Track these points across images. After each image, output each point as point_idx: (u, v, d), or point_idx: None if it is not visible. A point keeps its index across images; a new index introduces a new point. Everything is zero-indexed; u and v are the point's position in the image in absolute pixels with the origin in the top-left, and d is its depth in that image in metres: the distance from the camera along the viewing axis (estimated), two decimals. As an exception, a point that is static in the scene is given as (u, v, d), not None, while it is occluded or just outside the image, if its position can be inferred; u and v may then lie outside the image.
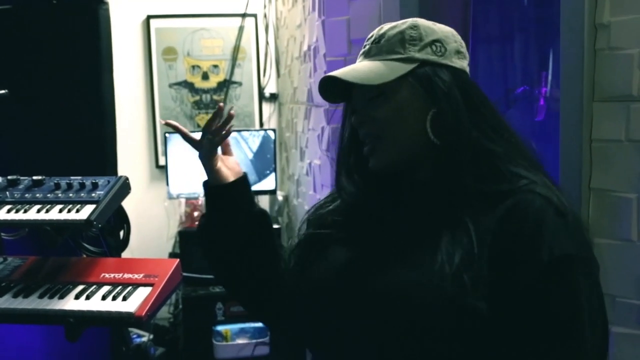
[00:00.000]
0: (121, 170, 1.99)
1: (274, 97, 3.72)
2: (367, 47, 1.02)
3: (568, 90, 1.42)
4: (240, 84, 3.64)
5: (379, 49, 0.99)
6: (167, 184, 3.23)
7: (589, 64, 1.38)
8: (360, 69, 0.98)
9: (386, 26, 1.02)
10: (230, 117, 1.15)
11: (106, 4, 2.14)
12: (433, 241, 0.92)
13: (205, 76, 3.61)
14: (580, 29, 1.37)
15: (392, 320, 0.92)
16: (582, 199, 1.40)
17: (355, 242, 1.03)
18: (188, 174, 3.23)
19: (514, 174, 0.93)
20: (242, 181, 1.19)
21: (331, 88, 1.02)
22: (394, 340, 0.92)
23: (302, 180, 3.03)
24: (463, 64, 1.00)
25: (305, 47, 2.74)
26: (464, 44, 1.03)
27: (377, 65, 0.97)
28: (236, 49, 3.60)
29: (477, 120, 0.95)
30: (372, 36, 1.03)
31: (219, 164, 1.18)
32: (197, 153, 1.19)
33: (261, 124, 3.67)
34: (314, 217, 1.13)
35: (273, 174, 3.28)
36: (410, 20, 1.00)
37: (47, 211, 1.65)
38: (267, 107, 3.72)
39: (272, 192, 3.35)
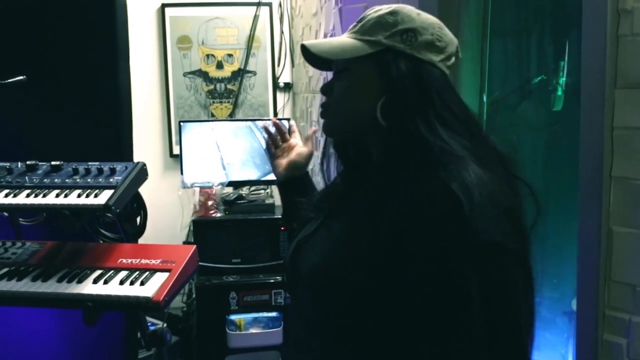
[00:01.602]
0: (136, 159, 1.99)
1: (288, 87, 3.71)
2: (354, 24, 1.07)
3: (589, 78, 1.40)
4: (254, 73, 3.64)
5: (358, 28, 1.04)
6: (182, 173, 3.23)
7: (611, 51, 1.36)
8: (333, 42, 1.05)
9: (376, 7, 1.06)
10: (290, 130, 1.26)
11: (123, -9, 2.14)
12: (353, 223, 0.98)
13: (219, 65, 3.61)
14: (602, 15, 1.35)
15: (306, 298, 1.03)
16: (603, 187, 1.38)
17: (312, 221, 1.13)
18: (202, 163, 3.23)
19: (439, 164, 0.91)
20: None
21: (314, 56, 1.07)
22: (311, 317, 1.03)
23: (316, 170, 3.03)
24: (433, 57, 1.01)
25: (321, 35, 2.73)
26: (446, 39, 1.03)
27: (348, 42, 1.03)
28: (251, 38, 3.59)
29: (425, 114, 0.96)
30: (362, 15, 1.08)
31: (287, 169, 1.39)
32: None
33: (275, 114, 3.66)
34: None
35: (287, 164, 3.28)
36: (394, 6, 1.04)
37: (65, 196, 1.66)
38: (281, 97, 3.72)
39: (286, 182, 3.35)
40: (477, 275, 0.84)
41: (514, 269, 0.88)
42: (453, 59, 1.04)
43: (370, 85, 1.01)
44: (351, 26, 1.08)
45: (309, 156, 1.43)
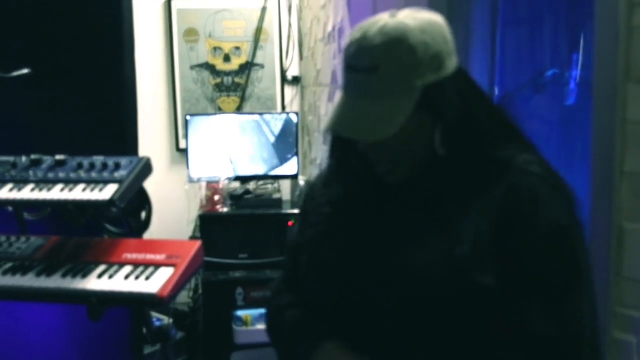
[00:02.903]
0: (142, 153, 1.99)
1: (296, 80, 3.69)
2: (361, 78, 0.95)
3: (602, 71, 1.38)
4: (262, 66, 3.62)
5: (381, 86, 0.93)
6: (188, 168, 3.23)
7: (624, 43, 1.34)
8: (369, 117, 0.94)
9: (376, 48, 0.93)
10: None
11: (128, -16, 2.13)
12: (443, 223, 0.97)
13: (227, 58, 3.59)
14: (615, 6, 1.33)
15: (406, 298, 0.96)
16: (615, 182, 1.36)
17: (361, 226, 1.05)
18: (209, 158, 3.23)
19: (508, 155, 1.00)
20: None
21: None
22: (408, 317, 0.97)
23: (325, 165, 3.02)
24: (455, 60, 0.99)
25: (329, 28, 2.72)
26: (450, 37, 0.99)
27: (383, 111, 0.93)
28: (258, 31, 3.57)
29: (479, 118, 0.99)
30: (358, 54, 0.95)
31: None
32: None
33: (283, 108, 3.64)
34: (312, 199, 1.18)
35: (295, 158, 3.27)
36: (397, 36, 0.92)
37: (70, 190, 1.66)
38: (289, 91, 3.70)
39: (294, 177, 3.34)
40: (582, 251, 0.97)
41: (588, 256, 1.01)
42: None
43: (424, 127, 0.97)
44: (364, 81, 0.95)
45: None
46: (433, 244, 0.97)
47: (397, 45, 0.93)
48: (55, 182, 1.70)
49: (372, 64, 0.93)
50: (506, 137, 1.02)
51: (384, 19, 0.96)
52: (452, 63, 0.97)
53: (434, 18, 0.98)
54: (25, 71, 1.81)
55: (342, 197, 1.09)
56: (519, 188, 0.96)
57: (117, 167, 1.72)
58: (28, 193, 1.67)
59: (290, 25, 3.62)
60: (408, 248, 0.99)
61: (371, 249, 1.02)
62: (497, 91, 1.95)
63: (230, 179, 3.24)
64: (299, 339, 1.08)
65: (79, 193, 1.65)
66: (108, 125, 2.08)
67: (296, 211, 3.06)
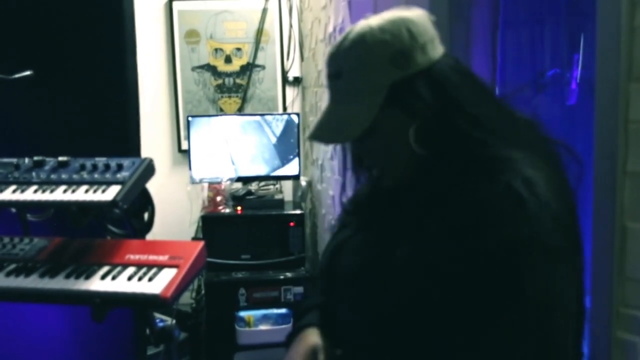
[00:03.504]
0: (144, 154, 1.99)
1: (297, 81, 3.70)
2: (331, 84, 1.00)
3: (604, 70, 1.38)
4: (263, 67, 3.62)
5: (346, 88, 0.97)
6: (190, 169, 3.23)
7: (626, 43, 1.34)
8: (335, 120, 0.97)
9: (340, 53, 0.97)
10: None
11: (129, -15, 2.14)
12: (405, 227, 0.95)
13: (228, 59, 3.59)
14: (617, 6, 1.33)
15: (348, 300, 1.00)
16: (617, 182, 1.36)
17: (353, 226, 1.08)
18: (211, 159, 3.23)
19: (494, 158, 0.92)
20: None
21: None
22: (351, 318, 1.00)
23: (326, 165, 3.02)
24: (430, 54, 0.95)
25: (330, 29, 2.72)
26: (424, 30, 0.96)
27: (352, 112, 0.95)
28: (259, 32, 3.58)
29: (455, 115, 0.93)
30: (328, 63, 0.99)
31: None
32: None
33: (284, 108, 3.65)
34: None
35: (296, 159, 3.27)
36: (356, 38, 0.95)
37: (73, 192, 1.66)
38: (290, 91, 3.70)
39: (296, 178, 3.34)
40: (534, 275, 0.85)
41: (568, 277, 0.90)
42: (436, 32, 1.00)
43: (401, 126, 0.95)
44: (333, 88, 1.00)
45: None
46: (382, 244, 0.97)
47: (355, 48, 0.95)
48: (58, 183, 1.70)
49: (336, 70, 0.97)
50: (495, 133, 0.95)
51: (355, 26, 0.98)
52: (424, 58, 0.94)
53: (403, 15, 0.97)
54: (27, 73, 1.81)
55: (353, 200, 1.13)
56: (482, 201, 0.89)
57: (120, 168, 1.73)
58: (31, 194, 1.67)
59: (291, 26, 3.62)
60: (364, 249, 1.01)
61: (342, 253, 1.05)
62: (497, 91, 1.95)
63: (232, 180, 3.24)
64: (297, 323, 1.15)
65: (82, 194, 1.65)
66: (110, 127, 2.08)
67: (298, 212, 3.08)
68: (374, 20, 0.97)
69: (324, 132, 1.00)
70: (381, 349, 0.95)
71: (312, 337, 1.05)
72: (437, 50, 0.97)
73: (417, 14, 0.98)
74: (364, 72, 0.95)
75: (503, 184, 0.88)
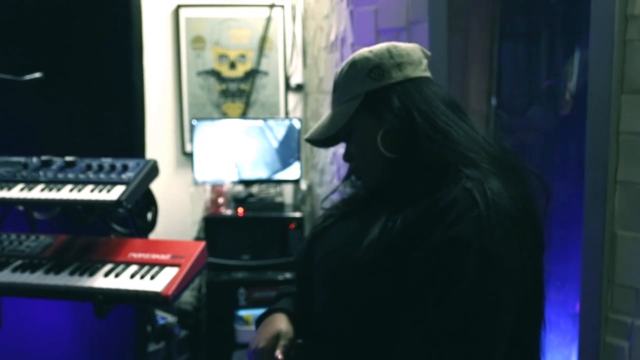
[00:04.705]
0: (149, 156, 2.02)
1: (299, 88, 3.74)
2: (332, 96, 1.15)
3: (596, 82, 1.40)
4: (266, 73, 3.66)
5: (336, 97, 1.12)
6: (193, 171, 3.27)
7: (618, 56, 1.37)
8: (325, 121, 1.13)
9: (338, 73, 1.13)
10: None
11: (138, -8, 2.18)
12: (372, 220, 1.01)
13: (232, 65, 3.64)
14: (610, 20, 1.36)
15: (317, 282, 1.06)
16: (608, 191, 1.39)
17: (327, 226, 1.15)
18: (214, 161, 3.27)
19: (457, 165, 0.98)
20: None
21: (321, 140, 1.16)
22: (323, 306, 1.04)
23: (326, 169, 3.05)
24: (406, 71, 1.06)
25: (332, 37, 2.75)
26: (402, 52, 1.08)
27: (336, 112, 1.10)
28: (263, 40, 3.62)
29: (421, 124, 1.02)
30: (333, 85, 1.15)
31: None
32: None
33: (286, 114, 3.69)
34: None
35: (297, 163, 3.31)
36: (349, 59, 1.11)
37: (79, 191, 1.70)
38: (292, 97, 3.74)
39: (296, 182, 3.38)
40: (465, 274, 0.88)
41: (503, 285, 0.91)
42: (425, 61, 1.10)
43: (372, 131, 1.06)
44: (332, 100, 1.15)
45: None
46: (351, 235, 1.03)
47: (347, 65, 1.11)
48: (64, 182, 1.73)
49: (334, 86, 1.14)
50: (459, 144, 1.01)
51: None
52: (399, 74, 1.06)
53: (395, 44, 1.10)
54: (37, 75, 1.85)
55: (338, 204, 1.20)
56: (440, 200, 0.94)
57: (125, 169, 1.76)
58: (38, 193, 1.70)
59: (294, 34, 3.66)
60: (334, 239, 1.08)
61: (314, 244, 1.13)
62: (494, 101, 1.98)
63: (234, 182, 3.28)
64: (269, 308, 1.19)
65: (88, 193, 1.68)
66: (117, 129, 2.11)
67: (298, 214, 3.12)
68: (370, 48, 1.11)
69: (312, 133, 1.14)
70: (349, 335, 1.00)
71: (279, 322, 1.11)
72: (418, 72, 1.07)
73: (408, 44, 1.11)
74: (348, 82, 1.09)
75: (462, 187, 0.94)
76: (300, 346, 1.08)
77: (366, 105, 1.06)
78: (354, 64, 1.09)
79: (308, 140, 1.16)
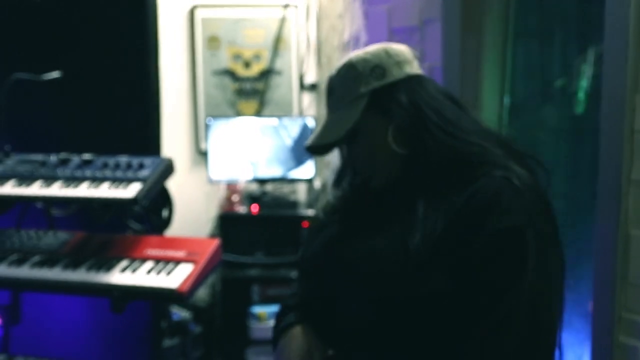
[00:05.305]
0: (165, 154, 2.04)
1: (313, 87, 3.75)
2: (327, 101, 1.15)
3: (610, 81, 1.40)
4: (280, 73, 3.68)
5: (336, 101, 1.11)
6: (208, 169, 3.30)
7: (633, 54, 1.36)
8: (330, 126, 1.11)
9: (333, 76, 1.13)
10: None
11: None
12: (405, 218, 1.00)
13: (247, 65, 3.66)
14: (625, 19, 1.35)
15: (355, 286, 1.01)
16: (622, 190, 1.38)
17: (343, 223, 1.13)
18: (229, 160, 3.29)
19: (478, 162, 1.00)
20: None
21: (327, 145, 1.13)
22: (359, 305, 1.00)
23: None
24: (406, 69, 1.08)
25: (346, 36, 2.76)
26: (398, 51, 1.10)
27: (342, 115, 1.09)
28: (278, 39, 3.64)
29: (429, 116, 1.03)
30: (325, 87, 1.15)
31: None
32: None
33: (300, 113, 3.70)
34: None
35: (311, 161, 3.32)
36: (344, 62, 1.11)
37: (96, 188, 1.72)
38: (306, 97, 3.75)
39: (310, 180, 3.39)
40: (530, 259, 0.92)
41: (560, 259, 0.99)
42: (416, 61, 1.12)
43: (381, 130, 1.06)
44: (328, 104, 1.15)
45: None
46: (390, 236, 1.00)
47: (343, 68, 1.11)
48: (82, 180, 1.75)
49: (330, 88, 1.13)
50: (470, 135, 1.03)
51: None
52: (399, 71, 1.07)
53: (388, 45, 1.11)
54: (55, 74, 1.88)
55: (339, 203, 1.19)
56: (481, 192, 0.95)
57: (141, 166, 1.78)
58: (56, 190, 1.73)
59: (308, 33, 3.68)
60: (369, 240, 1.03)
61: (341, 246, 1.08)
62: (507, 100, 1.97)
63: (248, 181, 3.30)
64: (280, 324, 1.15)
65: (104, 191, 1.70)
66: (133, 127, 2.13)
67: (311, 212, 3.13)
68: (364, 50, 1.12)
69: (314, 139, 1.12)
70: (381, 342, 0.98)
71: (303, 336, 1.07)
72: (414, 69, 1.10)
73: (397, 45, 1.12)
74: (349, 84, 1.09)
75: (499, 177, 0.96)
76: (334, 358, 1.06)
77: (373, 104, 1.07)
78: (352, 66, 1.09)
79: (309, 147, 1.13)
